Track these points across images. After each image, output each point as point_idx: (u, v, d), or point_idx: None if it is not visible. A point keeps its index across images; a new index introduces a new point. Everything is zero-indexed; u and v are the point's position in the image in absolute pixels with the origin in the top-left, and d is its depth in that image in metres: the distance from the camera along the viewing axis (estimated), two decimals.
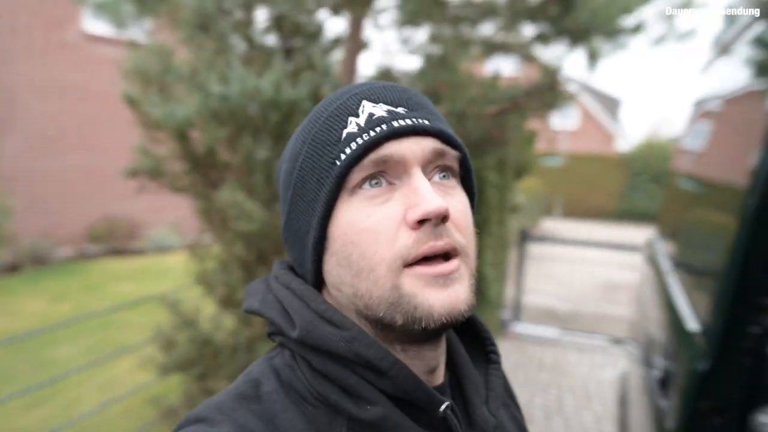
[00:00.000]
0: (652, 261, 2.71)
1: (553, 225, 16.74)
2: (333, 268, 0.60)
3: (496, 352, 0.71)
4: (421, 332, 0.57)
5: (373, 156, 0.57)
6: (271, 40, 3.12)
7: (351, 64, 4.55)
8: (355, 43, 4.49)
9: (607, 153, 21.63)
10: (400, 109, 0.60)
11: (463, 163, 0.64)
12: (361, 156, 0.57)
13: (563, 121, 22.85)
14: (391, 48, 7.08)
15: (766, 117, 1.27)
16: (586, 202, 19.91)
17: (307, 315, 0.59)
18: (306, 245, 0.61)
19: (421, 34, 6.36)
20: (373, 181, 0.58)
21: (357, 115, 0.59)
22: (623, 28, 5.22)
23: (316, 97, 2.98)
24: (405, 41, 6.55)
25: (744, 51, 2.16)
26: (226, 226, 2.86)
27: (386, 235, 0.56)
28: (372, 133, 0.57)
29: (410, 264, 0.56)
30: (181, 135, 2.70)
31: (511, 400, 0.80)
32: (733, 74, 2.24)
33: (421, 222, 0.56)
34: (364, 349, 0.56)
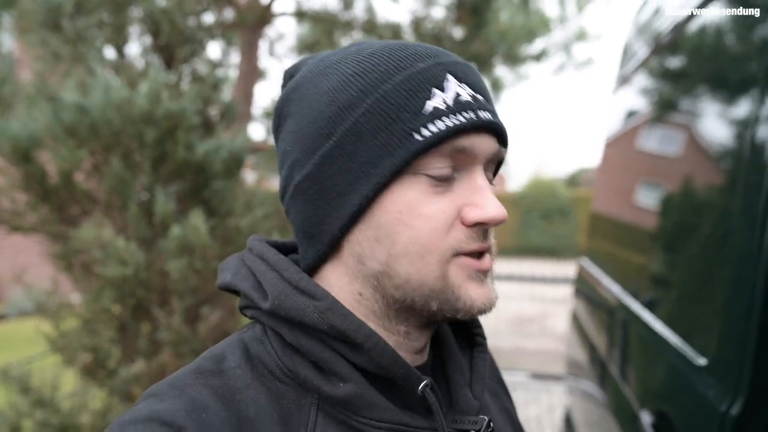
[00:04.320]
0: (592, 292, 2.50)
1: None
2: (366, 239, 0.56)
3: (481, 335, 0.70)
4: (444, 319, 0.58)
5: (455, 143, 0.54)
6: (146, 47, 2.60)
7: (247, 91, 4.11)
8: (250, 66, 4.06)
9: (501, 193, 22.61)
10: (480, 97, 0.56)
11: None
12: (444, 139, 0.53)
13: None
14: None
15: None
16: None
17: (279, 285, 0.56)
18: (340, 205, 0.56)
19: None
20: (443, 172, 0.55)
21: (443, 90, 0.54)
22: (527, 55, 5.32)
23: (204, 112, 2.50)
24: None
25: (640, 83, 2.14)
26: (89, 273, 2.24)
27: (443, 226, 0.55)
28: (461, 118, 0.53)
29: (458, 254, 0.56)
30: (24, 157, 2.08)
31: (501, 389, 0.80)
32: (630, 107, 2.27)
33: (476, 224, 0.56)
34: (338, 321, 0.54)
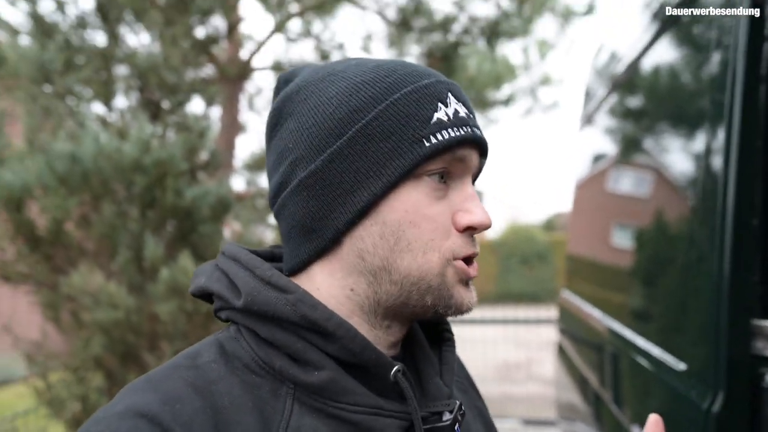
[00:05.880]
0: (579, 329, 2.56)
1: None
2: (369, 235, 0.60)
3: (449, 331, 0.73)
4: (433, 315, 0.62)
5: (456, 153, 0.60)
6: (133, 101, 2.71)
7: (229, 142, 4.23)
8: (231, 119, 4.19)
9: (480, 240, 22.71)
10: (472, 116, 0.64)
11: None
12: (447, 148, 0.59)
13: None
14: None
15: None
16: None
17: (252, 282, 0.59)
18: (347, 202, 0.60)
19: None
20: (442, 177, 0.61)
21: (446, 105, 0.61)
22: (496, 100, 5.58)
23: (192, 159, 2.59)
24: None
25: (602, 123, 2.29)
26: (78, 321, 2.25)
27: (444, 228, 0.61)
28: (461, 131, 0.60)
29: (455, 258, 0.61)
30: (16, 207, 2.13)
31: (471, 388, 0.82)
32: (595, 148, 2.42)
33: (467, 228, 0.61)
34: (309, 311, 0.56)
